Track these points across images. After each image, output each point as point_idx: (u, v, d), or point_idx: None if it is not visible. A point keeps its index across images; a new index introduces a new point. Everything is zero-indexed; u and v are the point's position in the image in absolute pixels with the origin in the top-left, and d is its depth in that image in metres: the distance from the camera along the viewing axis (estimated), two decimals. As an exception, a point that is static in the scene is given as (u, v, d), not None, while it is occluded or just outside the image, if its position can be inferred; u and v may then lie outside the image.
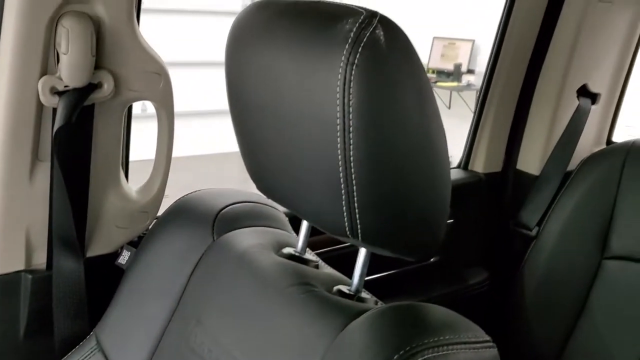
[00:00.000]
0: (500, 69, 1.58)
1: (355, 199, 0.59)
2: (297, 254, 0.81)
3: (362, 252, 0.70)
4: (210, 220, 0.87)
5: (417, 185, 0.61)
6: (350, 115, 0.55)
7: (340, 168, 0.58)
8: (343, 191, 0.59)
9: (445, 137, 0.63)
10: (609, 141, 1.76)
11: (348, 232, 0.62)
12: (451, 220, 1.60)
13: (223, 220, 0.87)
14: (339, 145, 0.57)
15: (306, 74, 0.59)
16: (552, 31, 1.54)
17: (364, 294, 0.72)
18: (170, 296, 0.85)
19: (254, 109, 0.69)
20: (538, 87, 1.61)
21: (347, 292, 0.72)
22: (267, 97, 0.65)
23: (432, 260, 1.61)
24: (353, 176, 0.58)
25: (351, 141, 0.56)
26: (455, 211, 1.61)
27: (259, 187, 0.77)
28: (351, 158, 0.57)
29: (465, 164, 1.70)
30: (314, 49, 0.58)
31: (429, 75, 6.88)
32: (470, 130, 1.67)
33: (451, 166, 1.74)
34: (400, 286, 1.52)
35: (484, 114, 1.63)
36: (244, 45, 0.68)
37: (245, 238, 0.84)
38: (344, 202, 0.60)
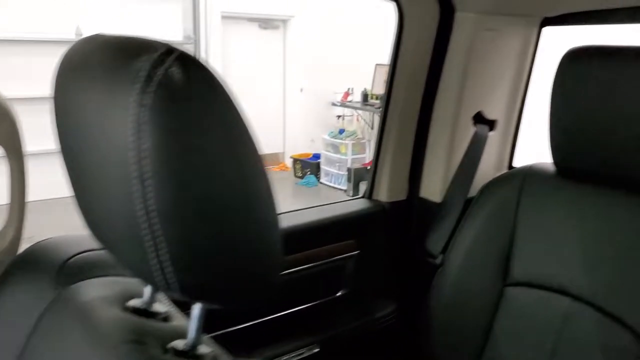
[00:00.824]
0: (396, 98, 1.58)
1: (166, 254, 0.54)
2: (143, 306, 0.75)
3: (196, 306, 0.65)
4: (54, 272, 0.80)
5: (236, 233, 0.56)
6: (145, 162, 0.51)
7: (142, 220, 0.53)
8: (150, 246, 0.54)
9: (266, 175, 0.59)
10: (510, 166, 1.78)
11: (167, 289, 0.57)
12: (356, 252, 1.57)
13: (68, 270, 0.81)
14: (138, 195, 0.52)
15: (104, 116, 0.54)
16: (443, 59, 1.55)
17: (203, 349, 0.67)
18: (10, 356, 0.77)
19: (68, 152, 0.63)
20: (435, 115, 1.61)
21: (182, 349, 0.66)
22: (75, 140, 0.60)
23: (338, 294, 1.58)
24: (159, 230, 0.53)
25: (150, 190, 0.52)
26: (360, 242, 1.58)
27: (90, 234, 0.71)
28: (153, 209, 0.52)
29: (369, 193, 1.68)
30: (110, 90, 0.54)
31: (373, 101, 6.97)
32: (372, 159, 1.66)
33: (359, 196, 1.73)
34: (304, 323, 1.47)
35: (383, 143, 1.62)
36: (63, 82, 0.63)
37: (91, 290, 0.77)
38: (153, 258, 0.55)
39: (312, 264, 1.48)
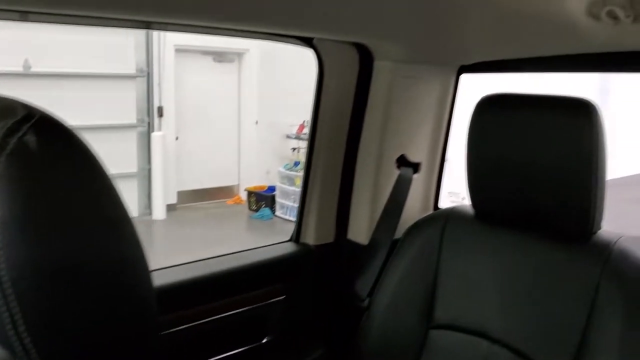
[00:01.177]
0: (320, 142, 1.60)
1: (22, 325, 0.53)
2: None
3: None
4: None
5: (102, 300, 0.56)
6: None
7: None
8: (7, 317, 0.53)
9: (136, 236, 0.58)
10: (436, 207, 1.81)
11: None
12: (282, 297, 1.56)
13: None
14: None
15: None
16: (365, 105, 1.58)
17: None
18: None
19: None
20: (360, 158, 1.64)
21: None
22: None
23: (263, 341, 1.56)
24: (14, 301, 0.52)
25: (2, 261, 0.51)
26: (287, 287, 1.57)
27: None
28: (7, 279, 0.51)
29: (296, 236, 1.68)
30: None
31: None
32: (299, 202, 1.67)
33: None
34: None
35: (309, 186, 1.63)
36: None
37: None
38: (10, 329, 0.53)
39: (234, 311, 1.46)
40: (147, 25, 1.24)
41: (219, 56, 8.10)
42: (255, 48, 8.03)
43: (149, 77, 7.34)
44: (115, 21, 1.11)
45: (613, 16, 1.14)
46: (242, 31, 1.35)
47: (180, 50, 7.46)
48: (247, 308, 1.49)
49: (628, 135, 10.43)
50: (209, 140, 8.04)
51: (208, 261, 1.50)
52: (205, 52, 7.91)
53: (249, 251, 1.59)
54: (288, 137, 7.72)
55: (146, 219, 7.28)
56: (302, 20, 1.24)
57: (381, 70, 1.54)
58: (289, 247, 1.66)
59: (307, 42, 1.44)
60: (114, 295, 0.57)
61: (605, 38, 1.23)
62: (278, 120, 7.84)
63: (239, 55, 8.21)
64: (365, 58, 1.54)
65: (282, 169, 7.54)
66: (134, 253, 0.58)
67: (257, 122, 8.28)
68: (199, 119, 7.94)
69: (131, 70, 7.21)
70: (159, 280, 1.29)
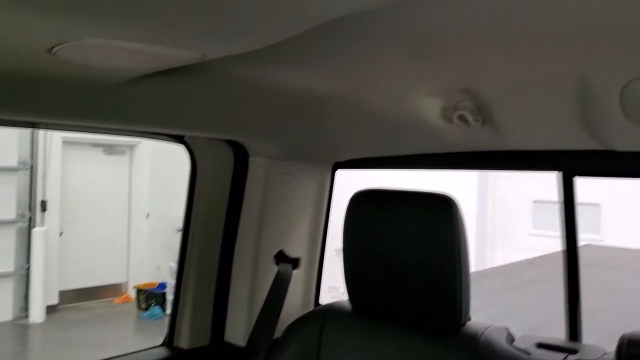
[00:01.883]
0: (194, 240, 1.55)
1: None
2: None
3: None
4: None
5: None
6: None
7: None
8: None
9: None
10: (317, 303, 1.79)
11: None
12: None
13: None
14: None
15: None
16: (241, 201, 1.57)
17: None
18: None
19: None
20: (236, 256, 1.60)
21: None
22: None
23: None
24: None
25: None
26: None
27: None
28: None
29: (169, 339, 1.58)
30: None
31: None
32: (172, 304, 1.59)
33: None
34: None
35: (182, 286, 1.56)
36: None
37: None
38: None
39: None
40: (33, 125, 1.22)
41: (110, 148, 7.90)
42: (146, 140, 7.92)
43: (32, 169, 6.97)
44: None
45: (464, 120, 1.24)
46: (113, 130, 1.32)
47: (68, 142, 7.20)
48: None
49: (506, 224, 11.18)
50: (96, 235, 7.64)
51: None
52: (96, 144, 7.69)
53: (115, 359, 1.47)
54: (179, 231, 7.51)
55: (22, 322, 6.67)
56: (172, 119, 1.23)
57: (256, 167, 1.55)
58: (160, 353, 1.55)
59: (178, 139, 1.43)
60: None
61: (458, 139, 1.32)
62: (170, 214, 7.64)
63: (130, 147, 8.06)
64: (240, 155, 1.54)
65: (173, 264, 7.25)
66: None
67: (148, 216, 8.02)
68: (87, 213, 7.57)
69: (13, 162, 6.83)
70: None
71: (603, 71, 0.99)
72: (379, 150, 1.58)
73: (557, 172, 1.39)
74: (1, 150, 6.63)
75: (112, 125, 1.20)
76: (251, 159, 1.55)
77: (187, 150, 1.48)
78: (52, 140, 7.05)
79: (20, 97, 0.96)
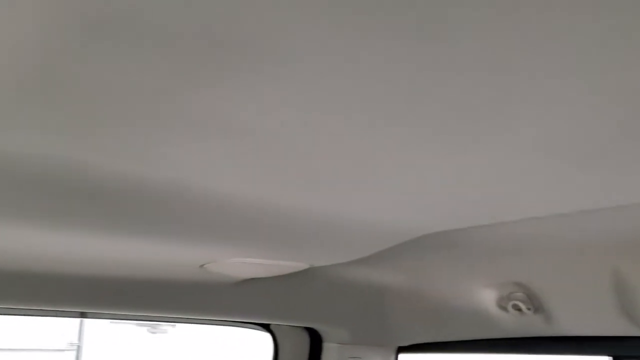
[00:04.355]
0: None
1: None
2: None
3: None
4: None
5: None
6: None
7: None
8: None
9: None
10: None
11: None
12: None
13: None
14: None
15: None
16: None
17: None
18: None
19: None
20: None
21: None
22: None
23: None
24: None
25: None
26: None
27: None
28: None
29: None
30: None
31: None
32: None
33: None
34: None
35: None
36: None
37: None
38: None
39: None
40: (82, 315, 1.41)
41: (154, 327, 8.04)
42: (190, 319, 8.05)
43: (78, 350, 7.09)
44: (52, 312, 1.28)
45: (517, 308, 1.42)
46: (216, 322, 1.54)
47: (115, 323, 7.38)
48: None
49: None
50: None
51: None
52: (140, 324, 7.85)
53: None
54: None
55: None
56: (264, 311, 1.45)
57: (329, 351, 1.71)
58: None
59: (265, 327, 1.63)
60: None
61: (514, 326, 1.49)
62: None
63: (172, 326, 8.18)
64: (315, 340, 1.73)
65: None
66: None
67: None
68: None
69: (61, 345, 6.99)
70: None
71: (633, 266, 1.19)
72: (439, 335, 1.74)
73: (607, 357, 1.53)
74: (50, 332, 6.84)
75: (217, 317, 1.42)
76: (325, 344, 1.72)
77: (271, 337, 1.67)
78: (99, 320, 7.26)
79: (165, 300, 1.20)
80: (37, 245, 0.92)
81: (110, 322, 7.30)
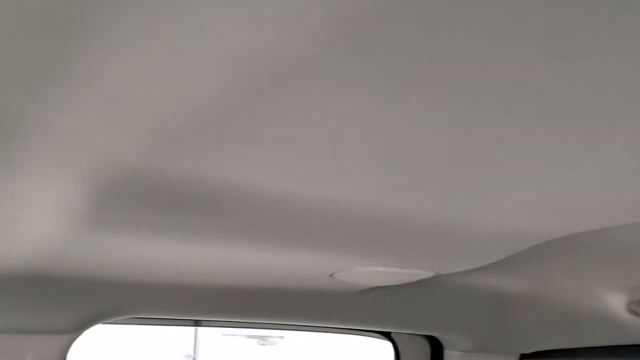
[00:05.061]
0: None
1: None
2: None
3: None
4: None
5: None
6: None
7: None
8: None
9: None
10: None
11: None
12: None
13: None
14: None
15: None
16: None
17: None
18: None
19: None
20: None
21: None
22: None
23: None
24: None
25: None
26: None
27: None
28: None
29: None
30: None
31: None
32: None
33: None
34: None
35: None
36: None
37: None
38: None
39: None
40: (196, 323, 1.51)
41: (263, 340, 8.28)
42: (293, 332, 8.21)
43: (194, 361, 7.45)
44: (169, 320, 1.38)
45: (649, 312, 1.37)
46: (323, 328, 1.60)
47: (227, 335, 7.70)
48: None
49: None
50: None
51: None
52: (250, 336, 8.12)
53: None
54: None
55: None
56: (386, 319, 1.49)
57: (451, 359, 1.72)
58: None
59: (386, 335, 1.67)
60: None
61: None
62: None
63: (280, 338, 8.38)
64: (436, 348, 1.74)
65: None
66: None
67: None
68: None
69: (180, 357, 7.38)
70: None
71: None
72: (563, 342, 1.70)
73: None
74: (168, 345, 7.23)
75: (341, 325, 1.48)
76: (446, 352, 1.73)
77: (392, 345, 1.71)
78: (214, 334, 7.60)
79: (294, 308, 1.28)
80: (195, 259, 1.02)
81: (223, 334, 7.62)
